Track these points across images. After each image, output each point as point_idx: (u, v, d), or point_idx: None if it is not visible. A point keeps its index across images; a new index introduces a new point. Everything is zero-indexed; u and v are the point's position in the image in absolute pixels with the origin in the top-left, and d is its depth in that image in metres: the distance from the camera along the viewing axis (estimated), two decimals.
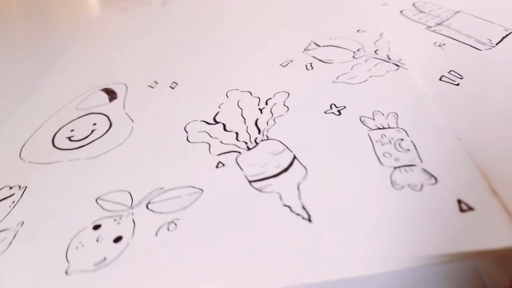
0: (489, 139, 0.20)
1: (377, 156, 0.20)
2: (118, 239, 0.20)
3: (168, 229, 0.19)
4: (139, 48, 0.40)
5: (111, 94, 0.33)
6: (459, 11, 0.33)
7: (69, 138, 0.29)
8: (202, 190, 0.21)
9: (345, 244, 0.17)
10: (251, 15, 0.41)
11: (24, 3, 0.64)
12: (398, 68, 0.27)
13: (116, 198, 0.22)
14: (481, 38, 0.29)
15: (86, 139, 0.28)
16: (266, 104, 0.26)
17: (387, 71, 0.27)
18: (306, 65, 0.29)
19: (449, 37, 0.30)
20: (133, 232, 0.20)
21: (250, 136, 0.24)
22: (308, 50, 0.31)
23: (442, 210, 0.17)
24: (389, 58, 0.28)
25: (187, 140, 0.25)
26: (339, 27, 0.34)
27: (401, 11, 0.35)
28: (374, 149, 0.21)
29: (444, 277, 0.16)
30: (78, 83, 0.36)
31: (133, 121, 0.29)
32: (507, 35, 0.29)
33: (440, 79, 0.25)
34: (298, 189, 0.20)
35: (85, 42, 0.46)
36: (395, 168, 0.19)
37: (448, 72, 0.26)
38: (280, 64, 0.30)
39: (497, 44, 0.28)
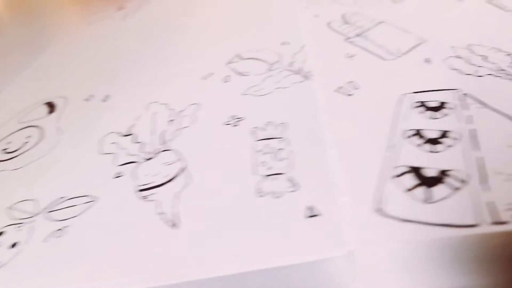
0: (360, 150, 0.21)
1: (254, 165, 0.22)
2: (14, 245, 0.21)
3: (56, 236, 0.21)
4: (88, 62, 0.42)
5: (51, 108, 0.34)
6: (382, 22, 0.35)
7: (4, 150, 0.31)
8: (96, 199, 0.23)
9: (206, 249, 0.18)
10: (200, 28, 0.43)
11: None
12: (304, 80, 0.28)
13: (24, 207, 0.24)
14: (391, 49, 0.30)
15: (17, 151, 0.30)
16: (178, 116, 0.28)
17: (294, 83, 0.28)
18: (223, 78, 0.31)
19: (362, 48, 0.31)
20: (28, 239, 0.22)
21: (153, 147, 0.25)
22: (231, 63, 0.33)
23: (289, 216, 0.18)
24: (301, 70, 0.30)
25: (99, 151, 0.26)
26: (266, 39, 0.35)
27: (328, 23, 0.36)
28: (254, 158, 0.22)
29: (290, 281, 0.18)
30: (28, 97, 0.38)
31: (61, 134, 0.30)
32: (416, 46, 0.30)
33: (336, 90, 0.26)
34: (176, 197, 0.21)
35: (47, 56, 0.48)
36: (266, 176, 0.21)
37: (347, 83, 0.27)
38: (202, 77, 0.32)
39: (403, 54, 0.29)
